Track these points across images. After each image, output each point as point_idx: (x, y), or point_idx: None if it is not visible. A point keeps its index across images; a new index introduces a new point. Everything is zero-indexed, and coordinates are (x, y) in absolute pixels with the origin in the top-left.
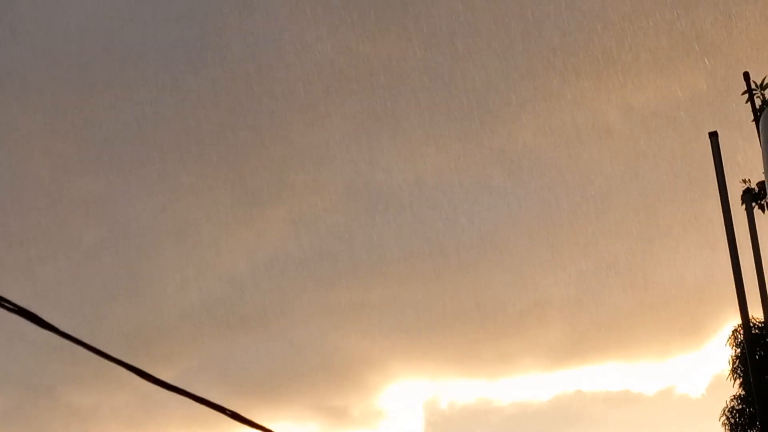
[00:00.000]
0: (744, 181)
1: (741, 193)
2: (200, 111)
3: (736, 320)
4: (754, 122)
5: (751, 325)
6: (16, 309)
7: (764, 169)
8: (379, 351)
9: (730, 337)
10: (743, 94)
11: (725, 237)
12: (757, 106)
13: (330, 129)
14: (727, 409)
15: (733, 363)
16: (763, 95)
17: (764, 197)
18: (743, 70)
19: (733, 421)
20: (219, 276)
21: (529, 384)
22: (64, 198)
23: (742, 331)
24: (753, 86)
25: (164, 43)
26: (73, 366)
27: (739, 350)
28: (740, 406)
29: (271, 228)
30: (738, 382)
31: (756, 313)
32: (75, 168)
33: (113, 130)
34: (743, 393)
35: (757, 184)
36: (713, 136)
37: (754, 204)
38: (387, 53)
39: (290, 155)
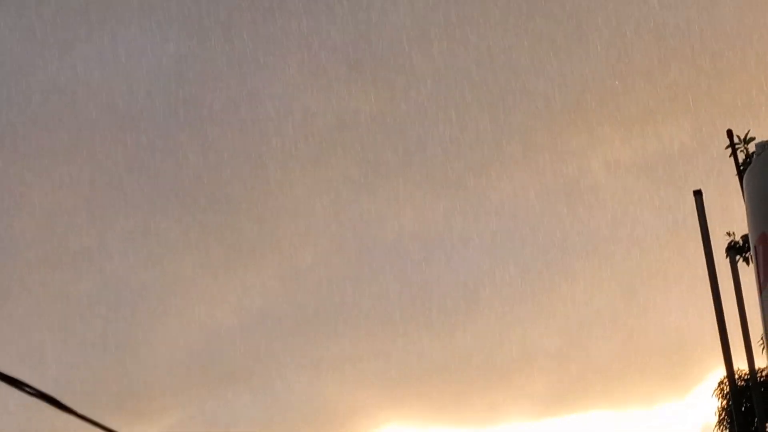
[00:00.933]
0: (729, 234)
1: (726, 245)
2: (190, 165)
3: (722, 370)
4: (737, 176)
5: (737, 377)
6: (36, 393)
7: (748, 223)
8: (367, 403)
9: (716, 389)
10: (727, 148)
11: (710, 289)
12: (741, 161)
13: (318, 184)
14: None
15: (720, 414)
16: (746, 149)
17: (748, 250)
18: (727, 125)
19: None
20: (206, 329)
21: None
22: (54, 252)
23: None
24: (736, 140)
25: (153, 97)
26: (59, 421)
27: (725, 402)
28: None
29: (259, 281)
30: None
31: (741, 364)
32: (64, 222)
33: (103, 184)
34: None
35: (741, 237)
36: (698, 194)
37: (738, 257)
38: (374, 109)
39: (279, 210)
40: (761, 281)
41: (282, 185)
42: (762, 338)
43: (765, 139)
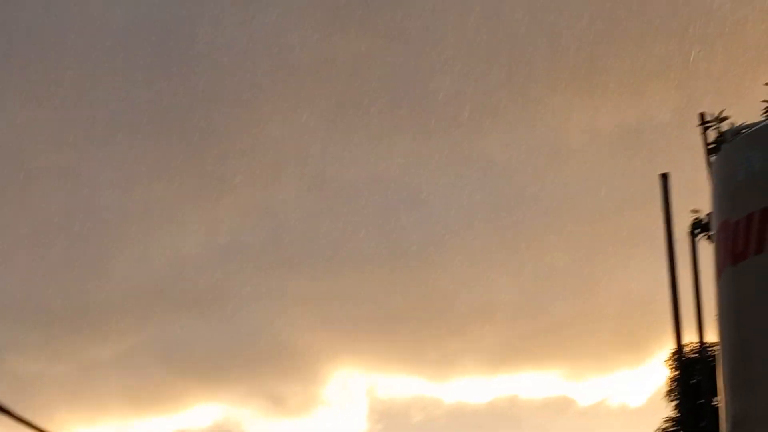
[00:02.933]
0: (693, 212)
1: (690, 222)
2: (168, 95)
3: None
4: (706, 155)
5: (688, 350)
6: None
7: (712, 208)
8: (324, 342)
9: (668, 359)
10: (699, 125)
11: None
12: (712, 139)
13: (295, 123)
14: (660, 430)
15: (670, 385)
16: (719, 128)
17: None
18: (705, 104)
19: None
20: (172, 257)
21: (470, 384)
22: (30, 168)
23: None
24: (709, 118)
25: (135, 25)
26: (19, 334)
27: (676, 372)
28: (673, 429)
29: (229, 214)
30: (673, 403)
31: (695, 337)
32: (41, 140)
33: (82, 105)
34: (677, 415)
35: (706, 216)
36: (664, 177)
37: (701, 234)
38: (354, 51)
39: (253, 145)
40: (719, 266)
41: (258, 121)
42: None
43: (739, 120)
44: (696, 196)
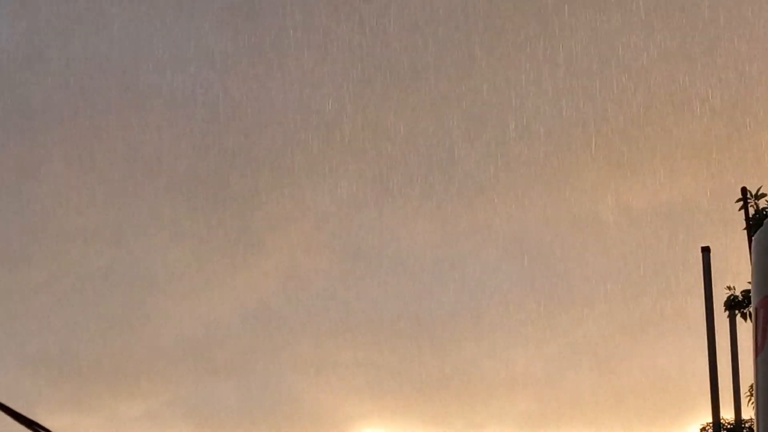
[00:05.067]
0: (729, 288)
1: (725, 299)
2: (208, 158)
3: (704, 419)
4: (745, 230)
5: (721, 424)
6: None
7: (753, 284)
8: (349, 410)
9: None
10: (738, 201)
11: (705, 339)
12: (750, 215)
13: (333, 190)
14: None
15: None
16: (756, 204)
17: (747, 305)
18: (740, 182)
19: None
20: (202, 320)
21: None
22: (68, 228)
23: (711, 429)
24: (748, 196)
25: (178, 88)
26: (52, 388)
27: None
28: None
29: (261, 280)
30: None
31: (726, 414)
32: (79, 200)
33: (121, 167)
34: None
35: (741, 293)
36: (705, 251)
37: (737, 312)
38: (395, 120)
39: (291, 211)
40: (758, 344)
41: (295, 187)
42: (749, 390)
43: None
44: (731, 272)
